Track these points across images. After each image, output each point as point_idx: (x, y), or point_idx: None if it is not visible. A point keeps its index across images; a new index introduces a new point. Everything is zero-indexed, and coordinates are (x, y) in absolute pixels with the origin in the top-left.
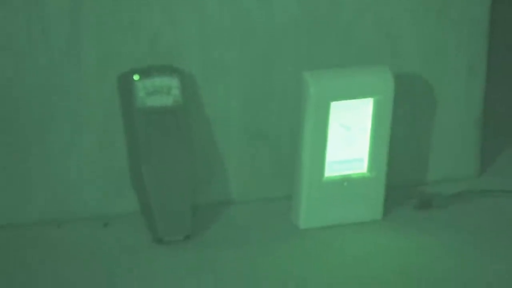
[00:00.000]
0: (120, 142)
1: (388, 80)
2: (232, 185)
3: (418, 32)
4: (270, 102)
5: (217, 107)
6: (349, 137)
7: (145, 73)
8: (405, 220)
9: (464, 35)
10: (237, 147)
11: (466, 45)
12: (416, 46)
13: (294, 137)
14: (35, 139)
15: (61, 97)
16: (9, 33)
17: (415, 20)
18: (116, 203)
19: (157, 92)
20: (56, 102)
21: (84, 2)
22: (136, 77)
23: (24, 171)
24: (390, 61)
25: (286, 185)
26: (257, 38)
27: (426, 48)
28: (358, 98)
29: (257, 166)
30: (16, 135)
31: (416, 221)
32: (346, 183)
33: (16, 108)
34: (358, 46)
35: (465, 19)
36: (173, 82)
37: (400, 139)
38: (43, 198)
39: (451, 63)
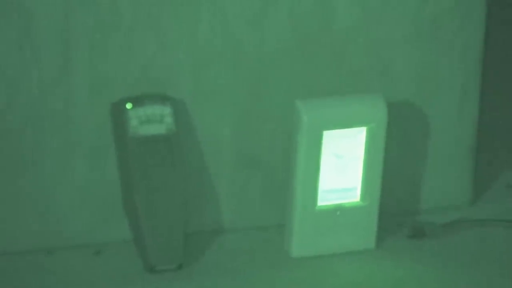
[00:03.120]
0: (112, 170)
1: (381, 109)
2: (224, 213)
3: (410, 56)
4: (262, 129)
5: (209, 134)
6: (342, 166)
7: (138, 101)
8: (398, 250)
9: (457, 59)
10: (229, 175)
11: (459, 70)
12: (409, 71)
13: (286, 165)
14: (26, 167)
15: (52, 125)
16: (0, 62)
17: (407, 44)
18: (108, 231)
19: (150, 121)
20: (47, 130)
21: (76, 29)
22: (129, 105)
23: (15, 198)
24: (382, 87)
25: (279, 213)
26: (249, 64)
27: (419, 72)
28: (351, 127)
29: (249, 194)
30: (7, 163)
31: (409, 251)
32: (339, 212)
33: (7, 136)
34: (350, 71)
35: (458, 42)
36: (166, 110)
37: (393, 167)
38: (34, 226)
39: (444, 88)
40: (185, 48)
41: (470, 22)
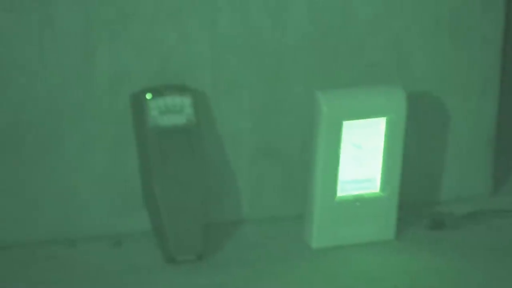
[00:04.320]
0: (132, 160)
1: (400, 100)
2: (244, 204)
3: (430, 50)
4: (281, 120)
5: (228, 125)
6: (361, 156)
7: (158, 92)
8: (418, 241)
9: (476, 52)
10: (248, 166)
11: (479, 63)
12: (428, 64)
13: (305, 156)
14: (47, 157)
15: (73, 116)
16: (22, 52)
17: (427, 38)
18: (128, 222)
19: (170, 111)
20: (68, 120)
21: (97, 21)
22: (148, 96)
23: (36, 189)
24: (402, 78)
25: (298, 203)
26: (269, 56)
27: (438, 65)
28: (370, 118)
29: (269, 185)
30: (28, 154)
31: (428, 242)
32: (358, 203)
33: (28, 127)
34: (370, 63)
35: (478, 36)
36: (186, 101)
37: (413, 158)
38: (54, 217)
39: (463, 80)
40: (205, 40)
41: (489, 15)
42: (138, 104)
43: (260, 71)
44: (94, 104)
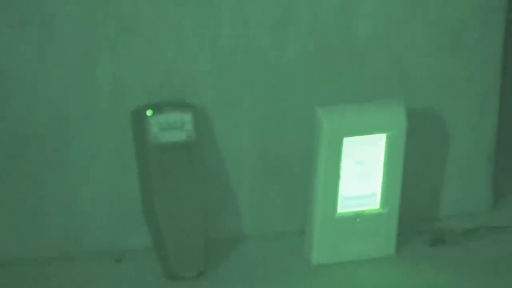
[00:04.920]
0: (133, 176)
1: (401, 116)
2: (245, 219)
3: (431, 65)
4: (283, 136)
5: (229, 141)
6: (362, 172)
7: (158, 108)
8: (418, 257)
9: (477, 68)
10: (250, 182)
11: (479, 78)
12: (429, 79)
13: (307, 172)
14: (47, 173)
15: (74, 130)
16: (23, 66)
17: (428, 53)
18: (128, 238)
19: (171, 127)
20: (69, 135)
21: (98, 35)
22: (149, 112)
23: (37, 204)
24: (402, 94)
25: (299, 220)
26: (270, 72)
27: (439, 80)
28: (371, 134)
29: (270, 201)
30: (28, 169)
31: (429, 258)
32: (359, 219)
33: (28, 142)
34: (371, 79)
35: (478, 51)
36: (186, 117)
37: (413, 173)
38: (55, 233)
39: (464, 96)
40: (206, 56)
41: (489, 32)
42: (138, 121)
43: (261, 88)
44: (95, 119)
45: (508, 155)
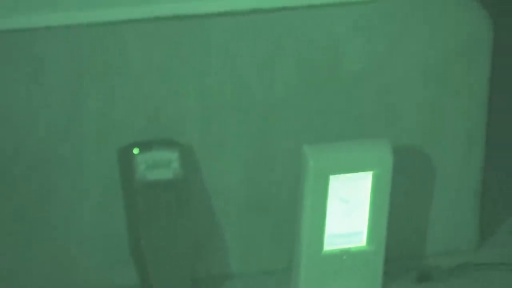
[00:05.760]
0: (120, 214)
1: (387, 154)
2: (232, 258)
3: (417, 101)
4: (270, 174)
5: (217, 179)
6: (348, 210)
7: (145, 146)
8: None
9: (464, 104)
10: (237, 220)
11: (465, 115)
12: (415, 116)
13: (294, 209)
14: (36, 211)
15: (61, 170)
16: (10, 106)
17: (414, 89)
18: (116, 277)
19: (157, 166)
20: (55, 176)
21: (85, 74)
22: (135, 150)
23: (25, 243)
24: (389, 132)
25: (286, 257)
26: (257, 110)
27: (425, 117)
28: (357, 172)
29: (257, 239)
30: (14, 209)
31: None
32: (345, 256)
33: (15, 181)
34: (358, 116)
35: (464, 88)
36: (173, 155)
37: (399, 211)
38: (42, 272)
39: (450, 133)
40: (194, 94)
41: (475, 68)
42: (125, 159)
43: (248, 126)
44: (83, 159)
45: (494, 192)
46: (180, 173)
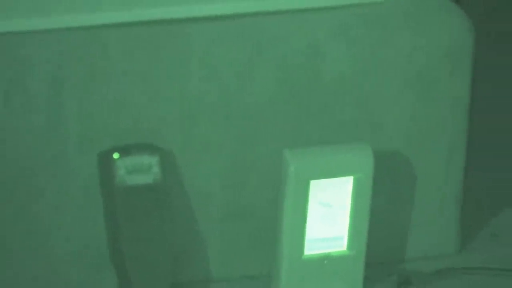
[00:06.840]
0: (101, 219)
1: (368, 159)
2: (213, 263)
3: (399, 108)
4: (251, 179)
5: (198, 184)
6: (328, 215)
7: (125, 151)
8: None
9: (445, 111)
10: (218, 225)
11: (448, 121)
12: (398, 122)
13: (275, 215)
14: (17, 218)
15: (43, 174)
16: None
17: (396, 96)
18: (97, 283)
19: (137, 170)
20: (37, 180)
21: (66, 78)
22: (115, 155)
23: (6, 250)
24: (370, 138)
25: (268, 263)
26: (238, 115)
27: (407, 123)
28: (338, 177)
29: (238, 244)
30: None
31: None
32: (326, 261)
33: None
34: (339, 122)
35: (446, 94)
36: (153, 160)
37: (380, 215)
38: (24, 278)
39: (432, 139)
40: (175, 99)
41: (457, 74)
42: (105, 163)
43: (229, 130)
44: (63, 163)
45: (475, 198)
46: (161, 178)
